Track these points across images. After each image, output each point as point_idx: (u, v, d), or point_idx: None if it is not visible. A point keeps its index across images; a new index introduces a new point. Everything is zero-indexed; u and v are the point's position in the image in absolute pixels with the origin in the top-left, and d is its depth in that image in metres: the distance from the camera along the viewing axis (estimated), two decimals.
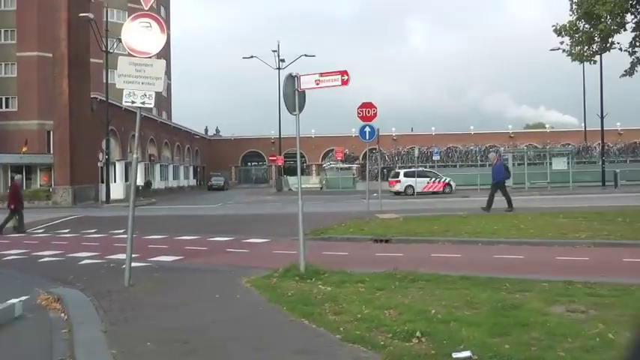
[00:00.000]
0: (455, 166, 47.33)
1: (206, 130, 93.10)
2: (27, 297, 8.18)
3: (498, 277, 8.61)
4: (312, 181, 63.93)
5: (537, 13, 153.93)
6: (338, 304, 7.12)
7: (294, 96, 9.56)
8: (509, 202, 21.25)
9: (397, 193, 37.89)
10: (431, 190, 38.19)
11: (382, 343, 5.48)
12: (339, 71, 9.52)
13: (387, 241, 14.52)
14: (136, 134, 9.41)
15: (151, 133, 58.85)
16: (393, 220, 18.86)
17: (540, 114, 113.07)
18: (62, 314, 7.47)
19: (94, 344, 5.90)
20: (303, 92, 9.66)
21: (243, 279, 9.12)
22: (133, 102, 9.08)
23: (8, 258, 13.76)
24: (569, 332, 5.65)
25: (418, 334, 5.62)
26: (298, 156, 10.08)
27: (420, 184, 37.95)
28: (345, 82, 9.43)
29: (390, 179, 40.04)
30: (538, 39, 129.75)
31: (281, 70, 52.95)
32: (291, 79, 9.61)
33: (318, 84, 9.49)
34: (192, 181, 73.81)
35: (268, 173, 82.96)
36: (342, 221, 18.60)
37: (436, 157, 42.15)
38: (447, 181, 39.11)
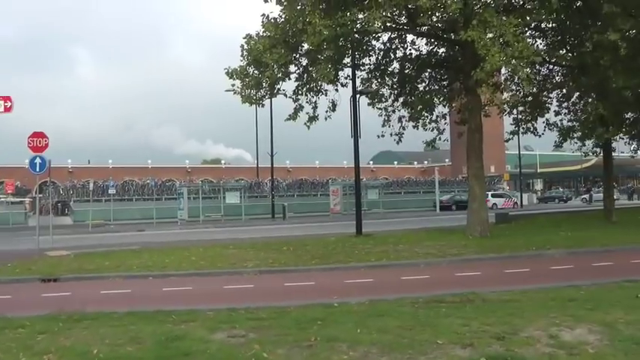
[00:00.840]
0: (131, 199, 46.60)
1: None
2: None
3: (166, 309, 8.75)
4: None
5: (203, 54, 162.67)
6: None
7: None
8: None
9: None
10: (508, 206, 51.16)
11: None
12: (2, 97, 8.81)
13: (55, 280, 13.71)
14: None
15: None
16: (63, 257, 17.88)
17: (207, 148, 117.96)
18: None
19: None
20: None
21: None
22: None
23: None
24: (228, 356, 6.01)
25: None
26: None
27: (500, 202, 52.00)
28: (8, 109, 8.80)
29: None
30: (209, 77, 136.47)
31: None
32: None
33: None
34: None
35: None
36: (8, 261, 16.95)
37: (112, 191, 40.99)
38: (515, 200, 55.10)
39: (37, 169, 19.42)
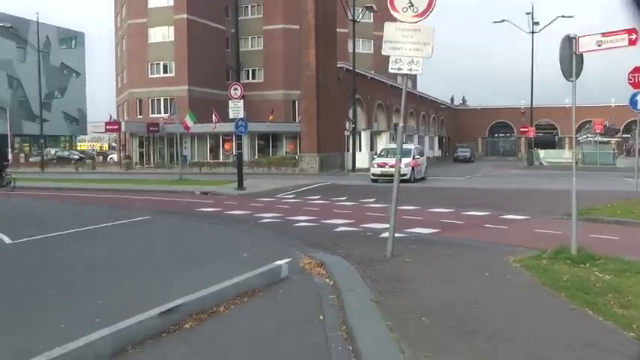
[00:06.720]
0: None
1: (452, 100, 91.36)
2: (289, 259, 8.44)
3: None
4: (566, 156, 59.56)
5: None
6: (623, 297, 6.37)
7: (571, 60, 8.69)
8: None
9: None
10: None
11: None
12: (626, 29, 8.32)
13: None
14: (402, 102, 9.36)
15: (397, 103, 59.37)
16: None
17: None
18: (327, 280, 7.64)
19: (367, 313, 5.91)
20: (581, 56, 8.74)
21: (510, 258, 8.65)
22: (399, 69, 8.88)
23: (265, 220, 14.67)
24: None
25: None
26: (573, 129, 9.27)
27: None
28: (633, 42, 8.24)
29: None
30: None
31: (534, 34, 49.78)
32: (569, 41, 8.72)
33: (600, 45, 8.47)
34: (437, 152, 73.57)
35: (517, 145, 79.20)
36: (607, 201, 16.80)
37: None
38: None
39: (638, 107, 18.17)
